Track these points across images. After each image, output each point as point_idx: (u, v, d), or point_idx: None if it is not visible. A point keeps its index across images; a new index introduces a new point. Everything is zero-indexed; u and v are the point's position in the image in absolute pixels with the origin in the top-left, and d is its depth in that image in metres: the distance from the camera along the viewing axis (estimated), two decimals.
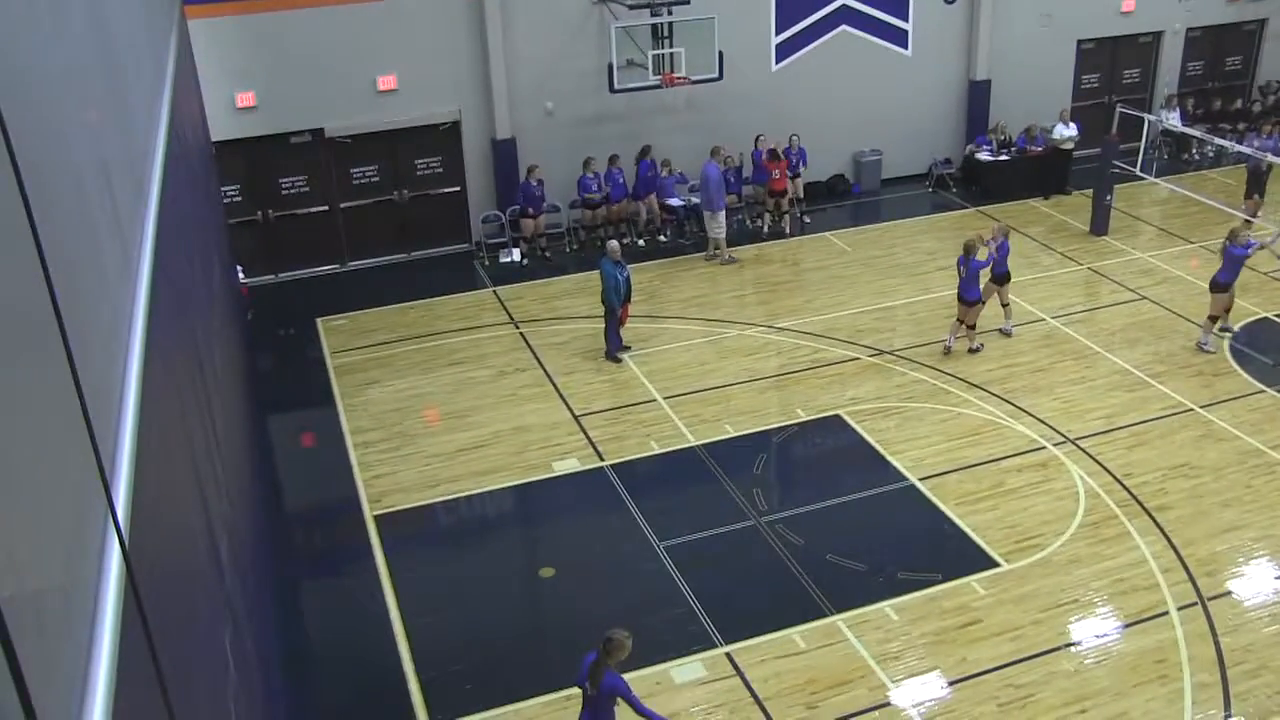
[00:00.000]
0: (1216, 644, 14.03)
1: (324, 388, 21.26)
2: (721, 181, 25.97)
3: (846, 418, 19.39)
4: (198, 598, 6.79)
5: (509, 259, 26.82)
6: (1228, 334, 21.55)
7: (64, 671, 3.26)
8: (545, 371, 21.32)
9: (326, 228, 26.63)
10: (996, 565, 15.59)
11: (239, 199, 25.82)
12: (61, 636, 3.32)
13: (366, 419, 20.04)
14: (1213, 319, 21.15)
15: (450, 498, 17.74)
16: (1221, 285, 20.84)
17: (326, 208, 26.58)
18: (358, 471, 18.48)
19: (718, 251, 26.23)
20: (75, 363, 3.81)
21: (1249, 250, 20.76)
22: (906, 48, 30.08)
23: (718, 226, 25.96)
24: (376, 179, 26.81)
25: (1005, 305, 21.96)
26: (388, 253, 27.21)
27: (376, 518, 17.26)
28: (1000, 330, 21.91)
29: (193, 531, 7.26)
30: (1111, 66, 32.92)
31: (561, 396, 20.40)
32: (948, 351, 21.14)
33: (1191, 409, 19.30)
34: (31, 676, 2.65)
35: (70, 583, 3.61)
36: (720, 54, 26.58)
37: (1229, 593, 14.98)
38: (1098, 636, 14.30)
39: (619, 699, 11.38)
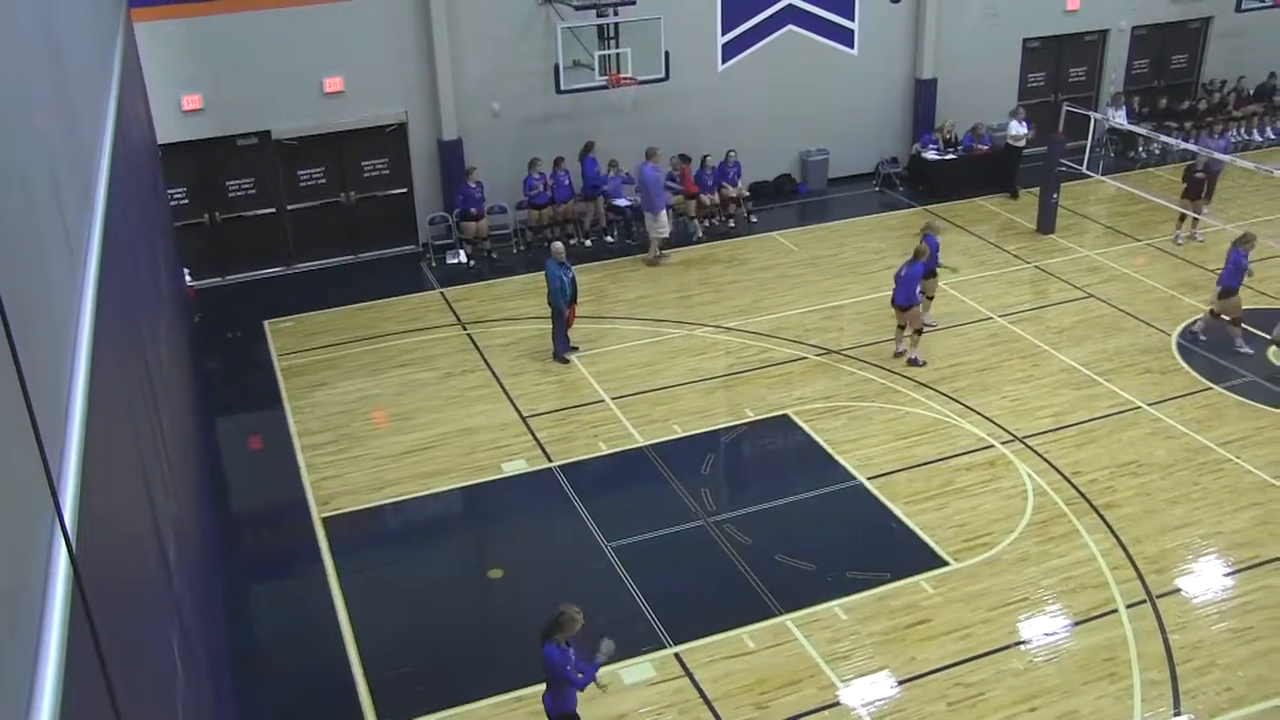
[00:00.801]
0: (1165, 641, 14.16)
1: (271, 390, 21.15)
2: (660, 182, 25.99)
3: (795, 417, 19.44)
4: (145, 600, 6.75)
5: (455, 260, 26.76)
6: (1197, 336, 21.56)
7: (11, 674, 3.24)
8: (493, 373, 21.29)
9: (273, 230, 26.49)
10: (945, 564, 15.68)
11: (186, 201, 25.63)
12: (8, 639, 3.30)
13: (314, 421, 19.96)
14: (1235, 321, 21.12)
15: (398, 499, 17.70)
16: (1231, 289, 20.87)
17: (274, 210, 26.43)
18: (305, 473, 18.41)
19: (663, 253, 26.25)
20: (20, 364, 3.78)
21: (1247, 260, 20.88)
22: (853, 47, 30.18)
23: (660, 227, 25.97)
24: (323, 181, 26.69)
25: (929, 298, 22.13)
26: (335, 254, 27.09)
27: (324, 520, 17.20)
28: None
29: (140, 534, 7.22)
30: (1057, 65, 33.16)
31: (509, 398, 20.37)
32: (900, 355, 21.15)
33: (1139, 406, 19.45)
34: None
35: (16, 585, 3.59)
36: (666, 54, 26.63)
37: (1178, 590, 15.11)
38: (1047, 635, 14.40)
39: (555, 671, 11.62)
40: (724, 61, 28.98)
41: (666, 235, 26.16)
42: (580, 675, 11.71)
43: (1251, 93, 34.77)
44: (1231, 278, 20.92)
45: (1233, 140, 31.76)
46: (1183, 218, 26.24)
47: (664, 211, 25.94)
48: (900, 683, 13.65)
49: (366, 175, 27.00)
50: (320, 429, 19.69)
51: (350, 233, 27.11)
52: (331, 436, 19.44)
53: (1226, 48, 34.78)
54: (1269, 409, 19.33)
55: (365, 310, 24.39)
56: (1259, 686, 13.43)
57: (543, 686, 12.00)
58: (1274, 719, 13.06)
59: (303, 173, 26.44)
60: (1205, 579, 15.37)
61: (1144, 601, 14.87)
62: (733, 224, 28.22)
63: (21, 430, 3.80)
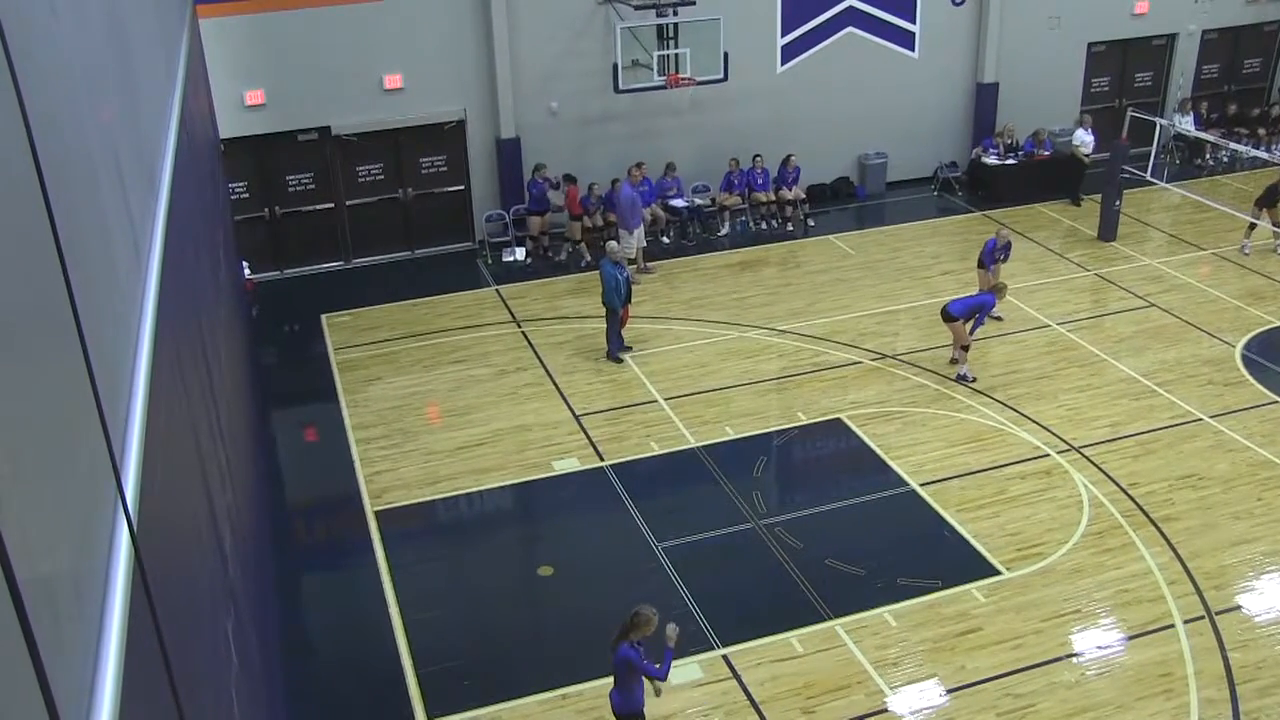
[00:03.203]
0: (1225, 659, 13.87)
1: (327, 383, 21.29)
2: (635, 200, 25.65)
3: (848, 421, 19.39)
4: (202, 586, 6.83)
5: (511, 258, 26.85)
6: None
7: (76, 652, 3.29)
8: (546, 370, 21.35)
9: (332, 225, 26.69)
10: (997, 573, 15.56)
11: (246, 196, 25.89)
12: (73, 619, 3.36)
13: (369, 415, 20.07)
14: None
15: (450, 495, 17.77)
16: None
17: (332, 205, 26.61)
18: (359, 467, 18.52)
19: (640, 264, 25.88)
20: (89, 352, 3.84)
21: None
22: (913, 50, 30.05)
23: (627, 247, 25.22)
24: (381, 177, 26.85)
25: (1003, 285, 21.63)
26: (392, 250, 27.29)
27: (377, 513, 17.29)
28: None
29: (198, 521, 7.29)
30: (1122, 69, 32.76)
31: (562, 396, 20.43)
32: (954, 363, 20.99)
33: (1200, 419, 19.15)
34: (47, 657, 2.68)
35: (82, 566, 3.64)
36: (725, 55, 26.60)
37: (1238, 607, 14.78)
38: (1100, 648, 14.21)
39: (634, 669, 11.68)
40: (783, 63, 28.94)
41: (633, 254, 25.46)
42: (659, 666, 11.75)
43: None
44: None
45: None
46: (1252, 226, 25.75)
47: (638, 229, 25.69)
48: (949, 691, 13.56)
49: (424, 172, 27.13)
50: (374, 423, 19.80)
51: (407, 229, 27.27)
52: (385, 430, 19.55)
53: None
54: None
55: (421, 306, 24.52)
56: None
57: (599, 682, 12.02)
58: None
59: (361, 169, 26.60)
60: (1269, 597, 15.01)
61: (1202, 617, 14.59)
62: (790, 227, 28.20)
63: (88, 418, 3.86)
